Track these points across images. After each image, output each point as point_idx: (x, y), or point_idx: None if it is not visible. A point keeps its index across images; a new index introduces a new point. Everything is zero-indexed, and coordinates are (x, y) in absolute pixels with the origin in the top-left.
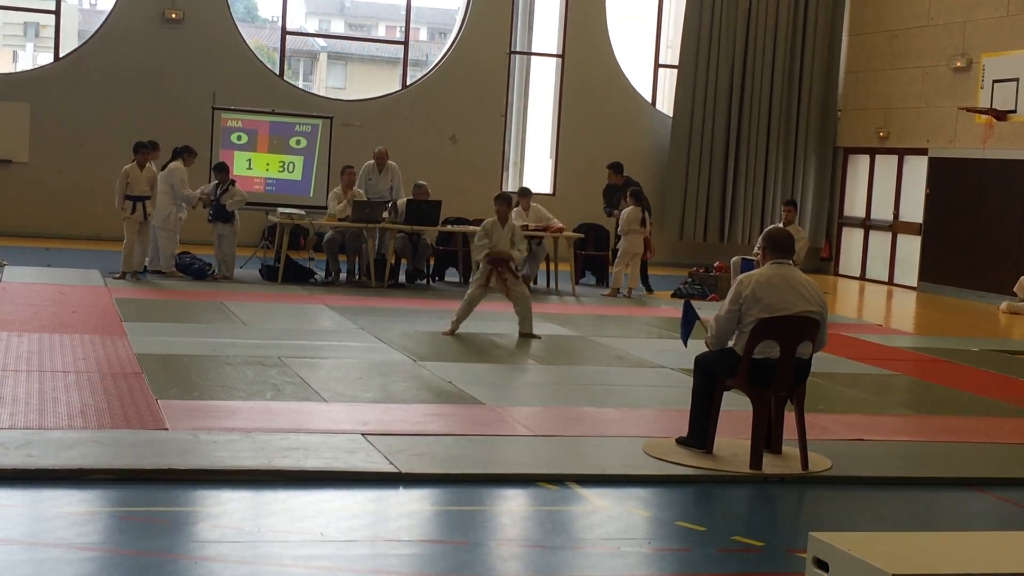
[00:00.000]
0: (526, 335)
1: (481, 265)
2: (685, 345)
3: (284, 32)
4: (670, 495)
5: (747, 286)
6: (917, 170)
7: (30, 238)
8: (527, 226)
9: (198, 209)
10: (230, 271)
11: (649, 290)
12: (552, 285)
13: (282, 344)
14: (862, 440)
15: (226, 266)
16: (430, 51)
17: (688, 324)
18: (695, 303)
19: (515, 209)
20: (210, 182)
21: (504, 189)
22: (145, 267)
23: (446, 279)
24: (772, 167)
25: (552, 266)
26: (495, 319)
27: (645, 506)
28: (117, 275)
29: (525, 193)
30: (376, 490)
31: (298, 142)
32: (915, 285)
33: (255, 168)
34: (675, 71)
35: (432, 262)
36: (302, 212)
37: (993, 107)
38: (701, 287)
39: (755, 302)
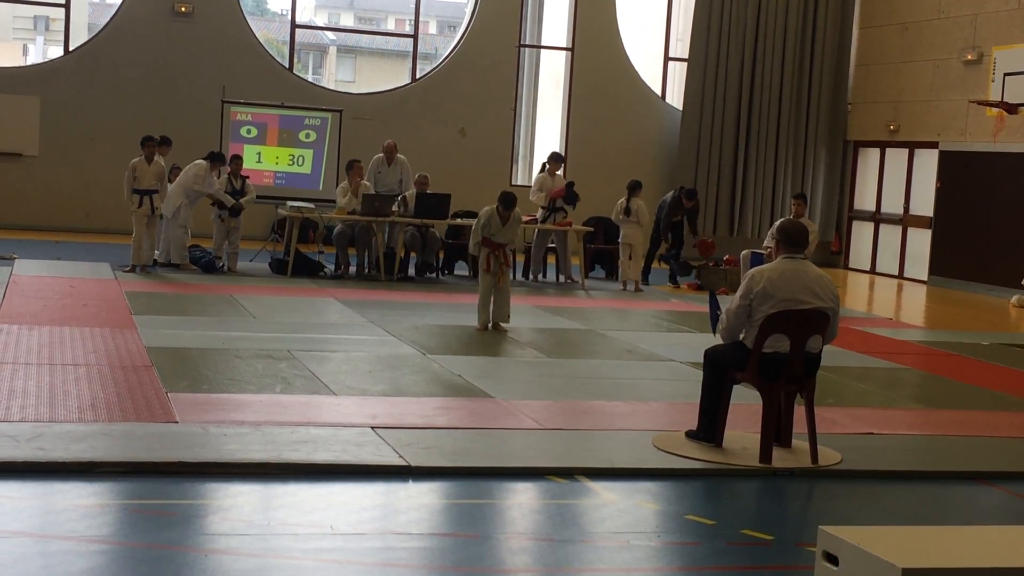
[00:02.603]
0: (496, 325)
1: (480, 251)
2: (714, 333)
3: (293, 25)
4: (679, 488)
5: (759, 281)
6: (927, 163)
7: (40, 231)
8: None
9: (205, 202)
10: (235, 264)
11: (675, 284)
12: (562, 278)
13: (291, 337)
14: (872, 434)
15: (233, 259)
16: (439, 44)
17: (716, 316)
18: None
19: (541, 174)
20: (220, 175)
21: (513, 182)
22: (155, 260)
23: (455, 272)
24: (782, 160)
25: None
26: None
27: (654, 499)
28: (127, 268)
29: (557, 158)
30: (385, 483)
31: (308, 135)
32: (925, 279)
33: (265, 161)
34: (685, 64)
35: (441, 255)
36: (311, 205)
37: (1004, 100)
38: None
39: (767, 298)
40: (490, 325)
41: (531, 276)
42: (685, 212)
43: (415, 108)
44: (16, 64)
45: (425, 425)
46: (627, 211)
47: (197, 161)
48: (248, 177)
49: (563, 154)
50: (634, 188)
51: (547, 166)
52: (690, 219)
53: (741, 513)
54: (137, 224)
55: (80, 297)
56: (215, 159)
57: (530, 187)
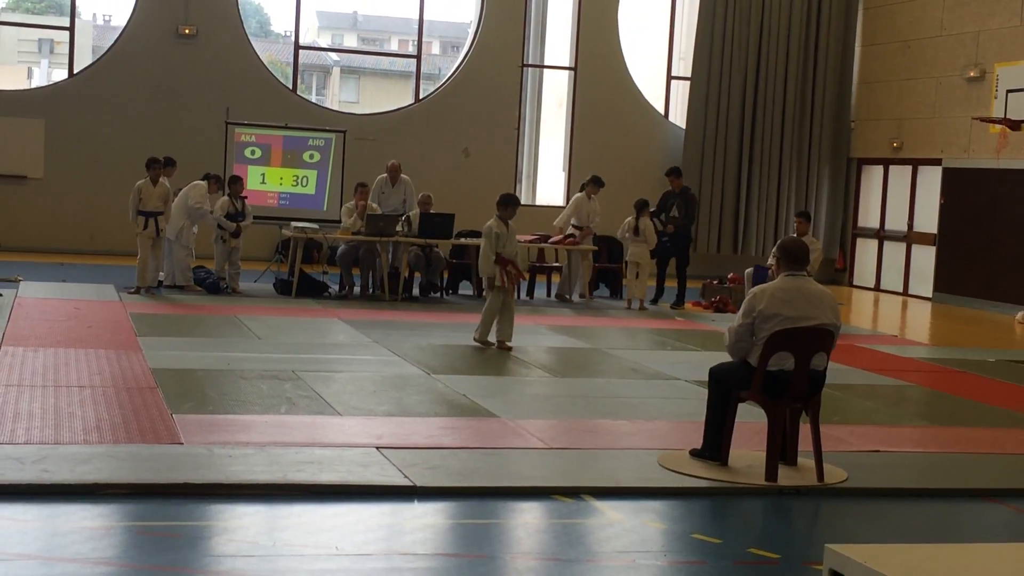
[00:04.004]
0: (502, 344)
1: (494, 271)
2: None
3: (297, 46)
4: (685, 507)
5: (761, 300)
6: (931, 180)
7: (45, 254)
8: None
9: (209, 223)
10: (237, 283)
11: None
12: (568, 297)
13: (296, 358)
14: (878, 451)
15: (235, 279)
16: (443, 65)
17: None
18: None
19: (579, 195)
20: (223, 195)
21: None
22: (160, 282)
23: (460, 292)
24: (785, 178)
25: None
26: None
27: (660, 518)
28: (132, 290)
29: (598, 181)
30: (391, 504)
31: (311, 156)
32: (930, 296)
33: (269, 182)
34: (688, 83)
35: (446, 275)
36: (316, 226)
37: (1007, 117)
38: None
39: (770, 317)
40: (494, 344)
41: (571, 296)
42: (677, 199)
43: (418, 128)
44: (21, 87)
45: (430, 445)
46: (635, 230)
47: (196, 182)
48: (247, 197)
49: (568, 171)
50: (642, 207)
51: (586, 187)
52: (687, 207)
53: (747, 531)
54: (142, 246)
55: (85, 319)
56: (213, 179)
57: (534, 206)
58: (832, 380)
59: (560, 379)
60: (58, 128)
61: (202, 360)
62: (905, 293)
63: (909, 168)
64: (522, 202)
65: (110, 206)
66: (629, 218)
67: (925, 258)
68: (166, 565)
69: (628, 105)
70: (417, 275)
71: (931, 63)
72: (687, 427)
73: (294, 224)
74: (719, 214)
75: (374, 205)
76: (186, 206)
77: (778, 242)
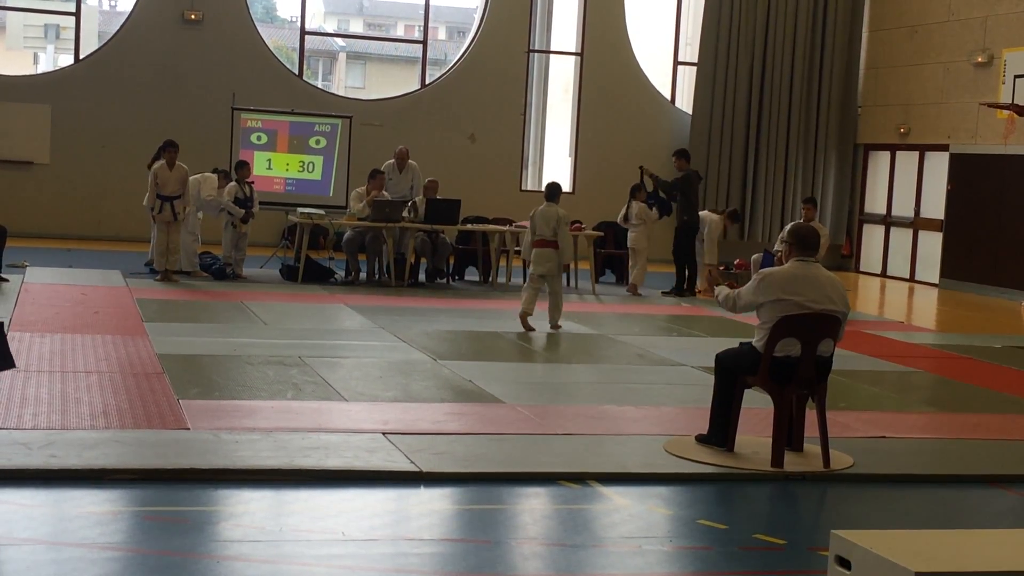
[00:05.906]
0: (555, 326)
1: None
2: None
3: (303, 32)
4: (691, 493)
5: (770, 283)
6: (938, 166)
7: (52, 239)
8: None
9: (217, 213)
10: (241, 269)
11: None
12: (572, 283)
13: (303, 344)
14: (884, 437)
15: (239, 265)
16: (449, 50)
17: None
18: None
19: None
20: (230, 181)
21: (523, 188)
22: (151, 266)
23: (466, 278)
24: (792, 164)
25: (572, 265)
26: (513, 318)
27: (666, 504)
28: (158, 277)
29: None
30: (397, 489)
31: (318, 142)
32: (936, 282)
33: (275, 168)
34: (694, 68)
35: (452, 261)
36: (322, 212)
37: (1014, 102)
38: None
39: (777, 301)
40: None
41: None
42: (684, 178)
43: (425, 114)
44: (27, 72)
45: (436, 431)
46: (626, 217)
47: (207, 174)
48: (254, 183)
49: (574, 156)
50: (635, 191)
51: None
52: (683, 186)
53: (753, 517)
54: (159, 230)
55: (92, 304)
56: (222, 174)
57: (540, 192)
58: (838, 366)
59: (566, 365)
60: (64, 114)
61: (208, 345)
62: (912, 279)
63: (916, 154)
64: (528, 188)
65: (116, 191)
66: (630, 205)
67: (932, 244)
68: (173, 550)
69: (634, 91)
70: (423, 261)
71: (939, 48)
72: (693, 413)
73: (300, 210)
74: (725, 200)
75: (384, 192)
76: (197, 196)
77: (790, 227)
